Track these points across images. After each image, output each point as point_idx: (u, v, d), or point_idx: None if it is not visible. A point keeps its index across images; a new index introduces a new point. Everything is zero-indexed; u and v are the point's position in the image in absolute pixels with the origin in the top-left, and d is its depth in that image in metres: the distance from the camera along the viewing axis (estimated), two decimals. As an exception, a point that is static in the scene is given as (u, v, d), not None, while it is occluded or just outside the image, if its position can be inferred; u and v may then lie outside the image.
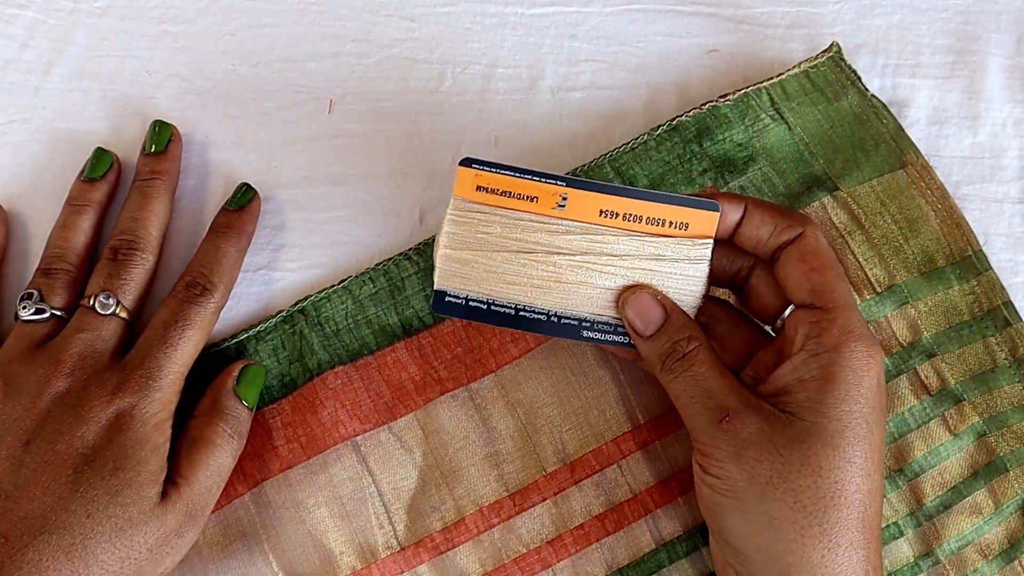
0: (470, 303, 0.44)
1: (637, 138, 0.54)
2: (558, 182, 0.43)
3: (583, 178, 0.44)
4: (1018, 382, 0.52)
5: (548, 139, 0.57)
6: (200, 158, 0.56)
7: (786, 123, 0.55)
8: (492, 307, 0.44)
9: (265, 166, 0.56)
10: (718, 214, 0.44)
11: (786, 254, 0.44)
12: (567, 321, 0.45)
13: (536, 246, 0.44)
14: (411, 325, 0.51)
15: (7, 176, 0.55)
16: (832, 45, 0.56)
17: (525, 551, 0.49)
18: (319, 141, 0.56)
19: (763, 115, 0.55)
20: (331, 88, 0.57)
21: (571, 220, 0.44)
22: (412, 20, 0.58)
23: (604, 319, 0.45)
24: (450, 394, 0.50)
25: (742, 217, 0.45)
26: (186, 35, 0.57)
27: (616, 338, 0.45)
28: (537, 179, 0.43)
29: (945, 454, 0.51)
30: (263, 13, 0.58)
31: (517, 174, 0.43)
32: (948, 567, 0.50)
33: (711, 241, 0.44)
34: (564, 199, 0.43)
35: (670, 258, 0.44)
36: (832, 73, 0.56)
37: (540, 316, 0.44)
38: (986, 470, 0.51)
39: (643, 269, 0.44)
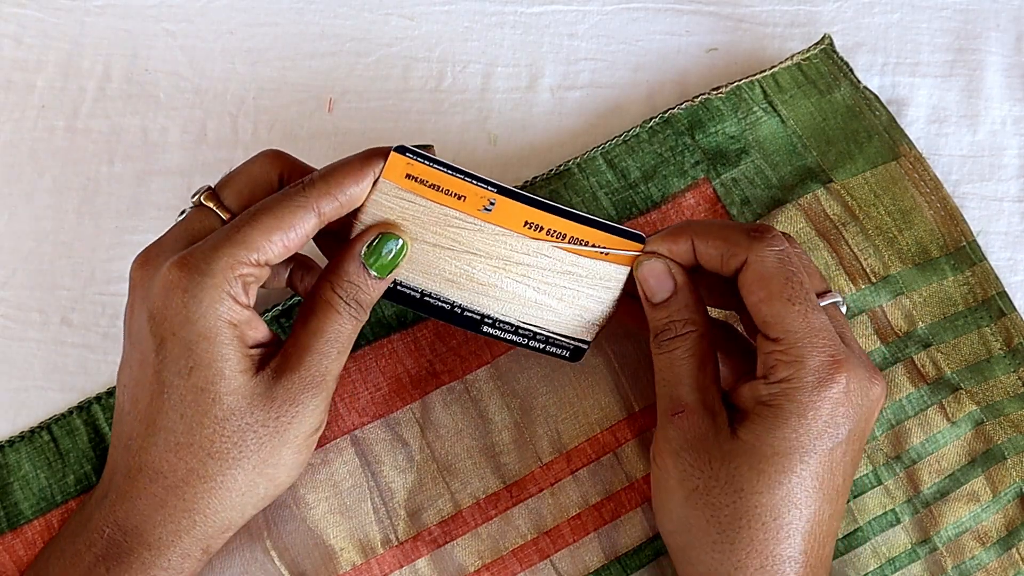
0: None
1: (629, 130, 0.56)
2: (488, 187, 0.45)
3: (514, 188, 0.45)
4: (1013, 372, 0.54)
5: (547, 137, 0.58)
6: (199, 157, 0.57)
7: (779, 115, 0.56)
8: (398, 287, 0.46)
9: (264, 164, 0.57)
10: (641, 245, 0.45)
11: (739, 281, 0.44)
12: (469, 314, 0.46)
13: (454, 243, 0.45)
14: (406, 317, 0.53)
15: (5, 174, 0.56)
16: (824, 37, 0.58)
17: (523, 542, 0.51)
18: (319, 140, 0.58)
19: (756, 108, 0.56)
20: (331, 86, 0.59)
21: (494, 224, 0.45)
22: (411, 19, 0.60)
23: (508, 320, 0.46)
24: (446, 387, 0.52)
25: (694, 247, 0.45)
26: (185, 33, 0.59)
27: (515, 339, 0.47)
28: (467, 179, 0.45)
29: (943, 441, 0.52)
30: (262, 12, 0.59)
31: (448, 171, 0.45)
32: (945, 554, 0.52)
33: (627, 269, 0.46)
34: (491, 204, 0.45)
35: (583, 276, 0.46)
36: (824, 65, 0.58)
37: (444, 304, 0.46)
38: (984, 458, 0.52)
39: (554, 284, 0.46)
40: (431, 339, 0.53)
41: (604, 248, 0.45)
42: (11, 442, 0.51)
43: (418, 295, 0.46)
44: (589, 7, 0.61)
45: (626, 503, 0.51)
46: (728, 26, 0.61)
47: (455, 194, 0.44)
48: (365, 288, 0.44)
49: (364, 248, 0.44)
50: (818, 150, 0.56)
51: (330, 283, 0.44)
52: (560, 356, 0.47)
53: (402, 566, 0.50)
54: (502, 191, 0.45)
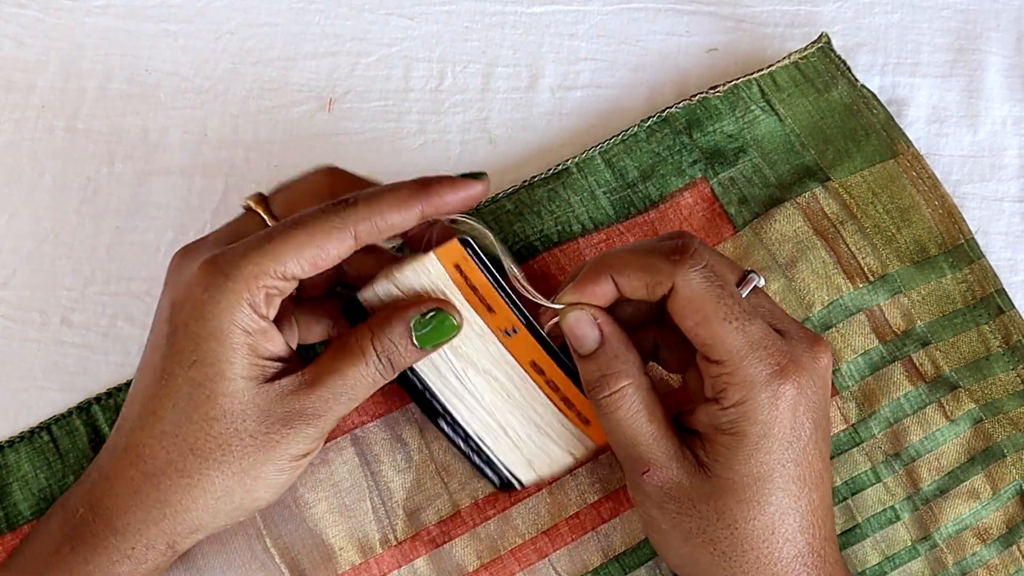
0: None
1: (627, 129, 0.57)
2: (518, 314, 0.46)
3: (539, 326, 0.46)
4: (1012, 369, 0.54)
5: (548, 138, 0.59)
6: (200, 157, 0.57)
7: (776, 114, 0.57)
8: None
9: (265, 165, 0.58)
10: None
11: (669, 307, 0.43)
12: (432, 403, 0.48)
13: (459, 350, 0.46)
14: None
15: (5, 174, 0.56)
16: (821, 36, 0.59)
17: (521, 542, 0.51)
18: (319, 140, 0.58)
19: (753, 106, 0.57)
20: (331, 87, 0.59)
21: (506, 350, 0.46)
22: (411, 19, 0.60)
23: (464, 428, 0.48)
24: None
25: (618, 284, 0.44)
26: (185, 34, 0.59)
27: (461, 446, 0.48)
28: (504, 297, 0.45)
29: (942, 439, 0.53)
30: (262, 11, 0.60)
31: (492, 282, 0.45)
32: (946, 550, 0.52)
33: (594, 445, 0.48)
34: (514, 331, 0.46)
35: (555, 435, 0.48)
36: (822, 64, 0.58)
37: (415, 382, 0.47)
38: (983, 455, 0.53)
39: (527, 424, 0.48)
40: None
41: (586, 417, 0.47)
42: (11, 442, 0.52)
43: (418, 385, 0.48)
44: (589, 7, 0.61)
45: (624, 502, 0.52)
46: (728, 26, 0.61)
47: (488, 305, 0.45)
48: (402, 351, 0.44)
49: (418, 316, 0.44)
50: (816, 148, 0.57)
51: (372, 333, 0.44)
52: (489, 480, 0.49)
53: (401, 566, 0.50)
54: (528, 324, 0.46)
